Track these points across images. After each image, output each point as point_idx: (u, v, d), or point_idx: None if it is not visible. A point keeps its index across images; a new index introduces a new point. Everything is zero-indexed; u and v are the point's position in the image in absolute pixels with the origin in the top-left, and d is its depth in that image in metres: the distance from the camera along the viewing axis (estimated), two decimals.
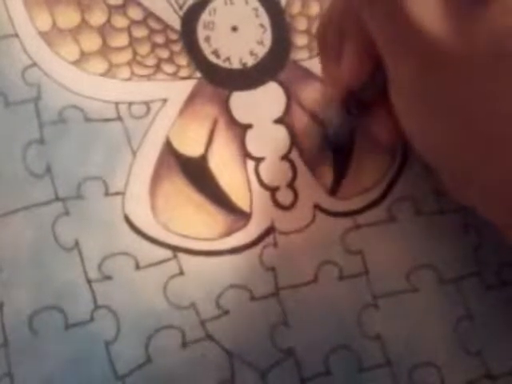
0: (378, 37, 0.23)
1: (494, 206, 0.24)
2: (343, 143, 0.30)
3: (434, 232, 0.29)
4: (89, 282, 0.27)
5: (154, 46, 0.31)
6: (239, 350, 0.27)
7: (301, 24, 0.32)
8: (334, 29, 0.27)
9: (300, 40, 0.32)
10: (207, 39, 0.31)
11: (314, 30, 0.32)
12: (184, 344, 0.27)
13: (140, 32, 0.31)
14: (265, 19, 0.32)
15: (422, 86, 0.22)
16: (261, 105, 0.30)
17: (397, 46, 0.22)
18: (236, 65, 0.31)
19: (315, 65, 0.31)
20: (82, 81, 0.30)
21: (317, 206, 0.29)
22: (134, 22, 0.31)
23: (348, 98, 0.28)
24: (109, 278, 0.27)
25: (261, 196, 0.29)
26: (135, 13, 0.31)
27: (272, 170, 0.29)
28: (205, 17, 0.32)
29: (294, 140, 0.30)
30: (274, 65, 0.31)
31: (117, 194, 0.28)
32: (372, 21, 0.23)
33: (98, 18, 0.31)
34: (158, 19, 0.31)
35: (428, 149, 0.25)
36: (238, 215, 0.29)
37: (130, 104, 0.30)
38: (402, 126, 0.25)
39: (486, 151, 0.22)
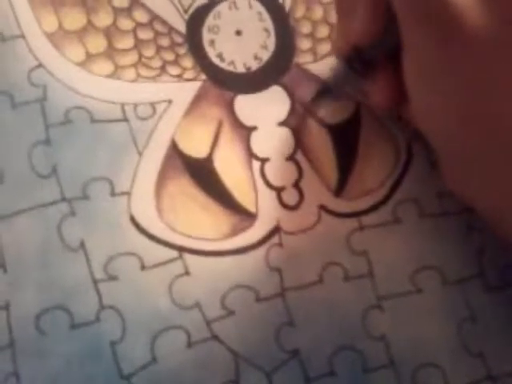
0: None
1: (492, 196, 0.24)
2: (335, 97, 0.30)
3: (437, 234, 0.29)
4: (95, 282, 0.27)
5: (160, 48, 0.31)
6: (244, 351, 0.27)
7: (305, 28, 0.32)
8: None
9: (304, 44, 0.32)
10: (212, 43, 0.31)
11: (317, 33, 0.32)
12: (189, 344, 0.27)
13: (145, 34, 0.31)
14: (269, 23, 0.32)
15: (437, 57, 0.22)
16: (265, 107, 0.31)
17: (417, 12, 0.22)
18: (240, 69, 0.31)
19: (319, 68, 0.32)
20: (87, 82, 0.30)
21: (322, 207, 0.29)
22: (139, 25, 0.31)
23: (354, 52, 0.27)
24: (114, 278, 0.27)
25: (266, 196, 0.29)
26: (141, 15, 0.31)
27: (277, 171, 0.30)
28: (209, 21, 0.32)
29: (299, 141, 0.30)
30: (277, 69, 0.31)
31: (123, 194, 0.28)
32: None
33: (103, 19, 0.31)
34: (164, 22, 0.31)
35: (432, 123, 0.24)
36: (244, 215, 0.29)
37: (136, 105, 0.30)
38: (409, 94, 0.24)
39: (489, 131, 0.22)
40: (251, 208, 0.29)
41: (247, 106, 0.31)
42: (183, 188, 0.29)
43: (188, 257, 0.28)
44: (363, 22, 0.26)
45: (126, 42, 0.31)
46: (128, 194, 0.29)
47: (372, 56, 0.27)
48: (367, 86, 0.28)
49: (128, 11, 0.31)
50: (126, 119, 0.30)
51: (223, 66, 0.31)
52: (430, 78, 0.23)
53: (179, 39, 0.31)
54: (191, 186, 0.29)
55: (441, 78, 0.23)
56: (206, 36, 0.32)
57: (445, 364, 0.27)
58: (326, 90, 0.30)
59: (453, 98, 0.22)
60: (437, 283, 0.28)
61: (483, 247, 0.29)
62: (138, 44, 0.31)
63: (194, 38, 0.31)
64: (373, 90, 0.28)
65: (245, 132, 0.30)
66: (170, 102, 0.30)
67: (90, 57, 0.30)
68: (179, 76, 0.31)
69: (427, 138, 0.26)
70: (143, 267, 0.28)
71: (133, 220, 0.28)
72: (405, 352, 0.27)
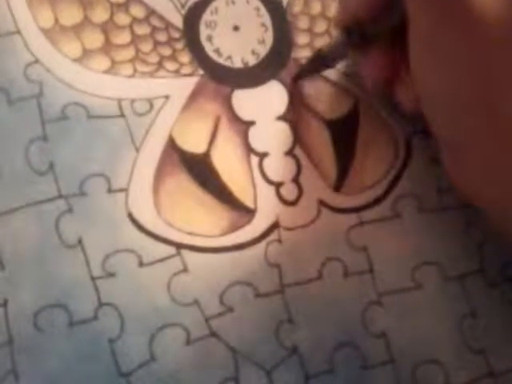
0: None
1: (495, 190, 0.24)
2: (330, 66, 0.30)
3: (437, 229, 0.29)
4: (92, 279, 0.27)
5: (157, 43, 0.31)
6: (244, 348, 0.27)
7: (302, 23, 0.32)
8: None
9: (302, 39, 0.32)
10: (209, 38, 0.31)
11: (315, 28, 0.32)
12: (188, 341, 0.27)
13: (142, 30, 0.31)
14: (266, 18, 0.32)
15: (446, 37, 0.22)
16: (263, 102, 0.30)
17: None
18: (238, 64, 0.31)
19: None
20: (84, 78, 0.30)
21: (321, 202, 0.29)
22: (136, 20, 0.31)
23: (355, 25, 0.27)
24: (112, 275, 0.27)
25: (265, 191, 0.29)
26: (137, 11, 0.31)
27: (276, 165, 0.29)
28: (206, 16, 0.32)
29: (298, 136, 0.30)
30: (275, 64, 0.31)
31: (120, 190, 0.28)
32: None
33: (100, 15, 0.31)
34: (161, 17, 0.31)
35: (436, 107, 0.24)
36: (242, 211, 0.29)
37: (133, 101, 0.30)
38: (413, 75, 0.24)
39: (497, 119, 0.22)
40: (250, 204, 0.29)
41: (245, 100, 0.30)
42: (181, 184, 0.29)
43: (186, 253, 0.28)
44: None
45: (123, 38, 0.31)
46: (125, 190, 0.28)
47: (372, 31, 0.27)
48: (362, 61, 0.28)
49: (125, 6, 0.31)
50: (123, 115, 0.29)
51: (220, 61, 0.31)
52: (436, 59, 0.23)
53: (176, 34, 0.31)
54: (189, 181, 0.29)
55: (449, 59, 0.22)
56: (204, 31, 0.31)
57: (445, 361, 0.27)
58: (318, 58, 0.30)
59: (460, 81, 0.22)
60: (437, 279, 0.28)
61: (483, 242, 0.29)
62: (135, 39, 0.31)
63: (191, 33, 0.31)
64: (364, 62, 0.28)
65: (243, 127, 0.30)
66: (167, 97, 0.30)
67: (86, 52, 0.30)
68: (176, 71, 0.31)
69: (430, 124, 0.26)
70: (141, 264, 0.27)
71: (130, 216, 0.28)
72: (405, 349, 0.27)
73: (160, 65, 0.30)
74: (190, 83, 0.30)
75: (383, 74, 0.27)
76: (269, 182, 0.29)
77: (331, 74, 0.31)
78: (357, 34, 0.27)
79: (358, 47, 0.28)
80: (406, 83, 0.27)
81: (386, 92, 0.29)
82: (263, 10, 0.32)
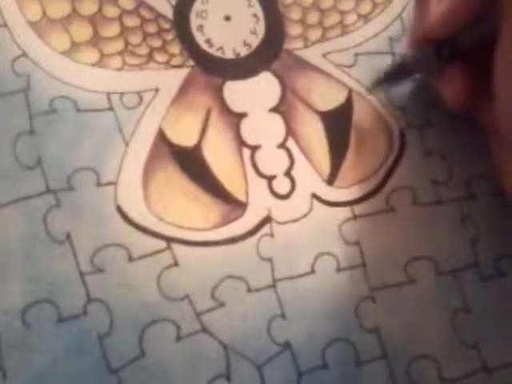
0: None
1: None
2: (411, 75, 0.30)
3: (431, 223, 0.29)
4: (81, 274, 0.27)
5: (146, 35, 0.30)
6: (235, 343, 0.26)
7: (294, 14, 0.32)
8: None
9: (294, 30, 0.32)
10: (200, 28, 0.31)
11: (308, 19, 0.32)
12: (179, 337, 0.26)
13: (131, 21, 0.30)
14: (258, 9, 0.32)
15: None
16: (255, 94, 0.30)
17: None
18: (229, 55, 0.31)
19: (310, 54, 0.31)
20: (72, 71, 0.29)
21: (314, 196, 0.29)
22: (125, 12, 0.31)
23: (443, 41, 0.27)
24: (101, 270, 0.27)
25: (257, 185, 0.29)
26: (126, 2, 0.31)
27: (268, 159, 0.29)
28: (197, 6, 0.31)
29: (290, 128, 0.30)
30: (267, 55, 0.31)
31: (109, 184, 0.28)
32: None
33: (88, 7, 0.30)
34: (150, 8, 0.31)
35: None
36: (234, 205, 0.28)
37: (122, 94, 0.29)
38: (496, 92, 0.23)
39: None
40: (241, 197, 0.28)
41: (237, 92, 0.30)
42: (171, 177, 0.28)
43: (177, 247, 0.27)
44: (444, 9, 0.25)
45: (112, 30, 0.30)
46: (114, 184, 0.28)
47: (464, 44, 0.26)
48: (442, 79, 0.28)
49: None
50: (111, 108, 0.29)
51: (212, 51, 0.31)
52: None
53: (166, 25, 0.31)
54: (179, 175, 0.28)
55: None
56: (194, 21, 0.31)
57: (439, 355, 0.27)
58: (401, 65, 0.30)
59: None
60: (430, 273, 0.28)
61: (477, 237, 0.29)
62: (124, 31, 0.30)
63: (181, 24, 0.31)
64: (446, 90, 0.27)
65: (234, 119, 0.30)
66: (156, 90, 0.30)
67: (74, 45, 0.30)
68: (166, 63, 0.30)
69: (508, 142, 0.25)
70: (131, 259, 0.27)
71: (119, 210, 0.28)
72: (398, 344, 0.27)
73: (150, 56, 0.30)
74: (180, 75, 0.30)
75: (468, 92, 0.27)
76: (261, 175, 0.29)
77: (324, 64, 0.31)
78: (448, 48, 0.27)
79: (446, 61, 0.27)
80: (486, 101, 0.26)
81: (465, 109, 0.28)
82: (254, 0, 0.32)
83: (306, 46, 0.31)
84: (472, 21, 0.25)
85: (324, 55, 0.31)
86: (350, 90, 0.31)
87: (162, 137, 0.29)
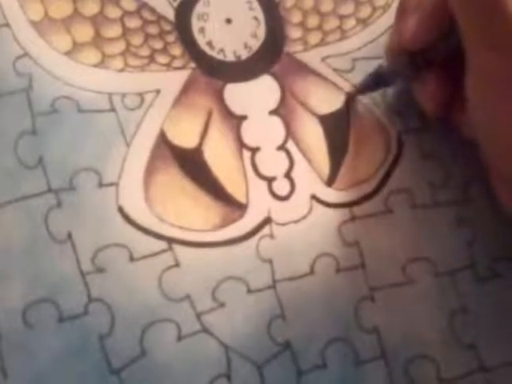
0: (461, 21, 0.22)
1: None
2: (389, 85, 0.30)
3: (429, 225, 0.29)
4: (82, 274, 0.27)
5: (148, 36, 0.30)
6: (235, 343, 0.26)
7: (295, 17, 0.32)
8: None
9: (294, 33, 0.32)
10: (201, 30, 0.31)
11: (308, 23, 0.32)
12: (179, 337, 0.26)
13: (133, 23, 0.31)
14: (259, 12, 0.32)
15: (504, 68, 0.21)
16: (255, 96, 0.30)
17: (485, 36, 0.21)
18: (230, 57, 0.31)
19: (309, 57, 0.31)
20: (74, 71, 0.29)
21: (314, 197, 0.29)
22: (127, 13, 0.31)
23: (415, 52, 0.28)
24: (102, 270, 0.27)
25: (257, 186, 0.29)
26: (128, 3, 0.31)
27: (268, 160, 0.29)
28: (199, 8, 0.31)
29: (290, 131, 0.30)
30: (268, 58, 0.31)
31: (110, 185, 0.28)
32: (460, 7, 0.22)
33: (90, 8, 0.30)
34: (152, 10, 0.31)
35: (492, 135, 0.24)
36: (234, 206, 0.28)
37: (124, 95, 0.29)
38: (469, 102, 0.24)
39: None
40: (242, 199, 0.29)
41: (237, 94, 0.30)
42: (172, 179, 0.28)
43: (178, 248, 0.27)
44: (416, 29, 0.26)
45: (114, 31, 0.30)
46: (116, 184, 0.28)
47: (433, 56, 0.27)
48: (418, 86, 0.29)
49: None
50: (113, 109, 0.29)
51: (213, 54, 0.31)
52: (495, 88, 0.22)
53: (168, 27, 0.31)
54: (180, 176, 0.29)
55: (509, 92, 0.22)
56: (196, 24, 0.31)
57: (437, 356, 0.27)
58: (378, 75, 0.30)
59: None
60: (428, 274, 0.28)
61: (474, 238, 0.29)
62: (126, 32, 0.30)
63: (183, 26, 0.31)
64: (422, 95, 0.28)
65: (235, 121, 0.30)
66: (158, 91, 0.30)
67: (76, 46, 0.30)
68: (168, 65, 0.30)
69: (483, 149, 0.26)
70: (132, 259, 0.27)
71: (121, 211, 0.28)
72: (397, 344, 0.27)
73: (151, 58, 0.30)
74: (182, 77, 0.30)
75: (442, 98, 0.27)
76: (261, 176, 0.29)
77: (323, 68, 0.31)
78: (420, 56, 0.27)
79: (420, 69, 0.28)
80: (463, 109, 0.26)
81: (443, 116, 0.29)
82: (255, 3, 0.32)
83: (305, 50, 0.31)
84: (440, 36, 0.26)
85: (323, 59, 0.32)
86: (349, 94, 0.31)
87: (163, 138, 0.29)
